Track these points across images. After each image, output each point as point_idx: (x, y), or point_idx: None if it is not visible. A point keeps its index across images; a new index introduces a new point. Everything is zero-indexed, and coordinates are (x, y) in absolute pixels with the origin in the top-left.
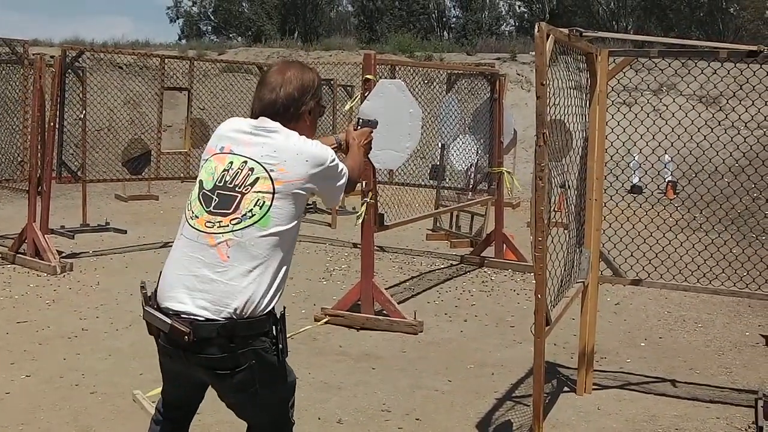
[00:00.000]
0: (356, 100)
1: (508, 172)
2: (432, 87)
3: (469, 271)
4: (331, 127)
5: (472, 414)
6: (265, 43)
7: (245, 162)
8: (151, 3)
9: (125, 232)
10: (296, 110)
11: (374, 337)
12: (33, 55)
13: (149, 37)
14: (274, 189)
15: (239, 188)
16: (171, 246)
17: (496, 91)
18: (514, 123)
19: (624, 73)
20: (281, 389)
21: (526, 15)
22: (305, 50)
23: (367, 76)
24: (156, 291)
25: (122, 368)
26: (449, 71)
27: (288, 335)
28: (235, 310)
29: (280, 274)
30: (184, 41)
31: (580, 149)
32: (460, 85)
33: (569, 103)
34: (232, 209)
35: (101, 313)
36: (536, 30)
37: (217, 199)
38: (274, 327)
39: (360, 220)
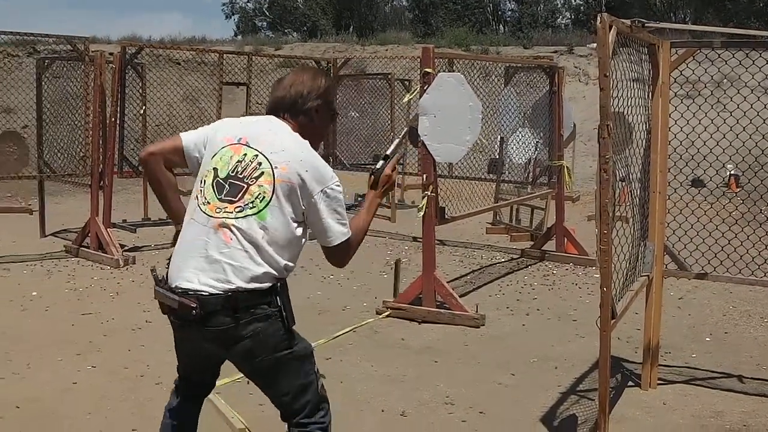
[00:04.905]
0: (415, 92)
1: (567, 167)
2: (489, 80)
3: (529, 265)
4: (389, 121)
5: (536, 408)
6: (321, 38)
7: (256, 155)
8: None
9: None
10: (302, 105)
11: (436, 330)
12: (93, 52)
13: (205, 33)
14: (274, 186)
15: (247, 179)
16: None
17: (555, 83)
18: (573, 116)
19: (687, 64)
20: (292, 357)
21: (582, 7)
22: (361, 45)
23: (426, 70)
24: (167, 273)
25: None
26: (507, 64)
27: (350, 328)
28: (234, 284)
29: (283, 262)
30: (239, 37)
31: (644, 141)
32: (518, 78)
33: (630, 95)
34: (237, 198)
35: None
36: (598, 21)
37: (228, 188)
38: (277, 297)
39: (421, 214)
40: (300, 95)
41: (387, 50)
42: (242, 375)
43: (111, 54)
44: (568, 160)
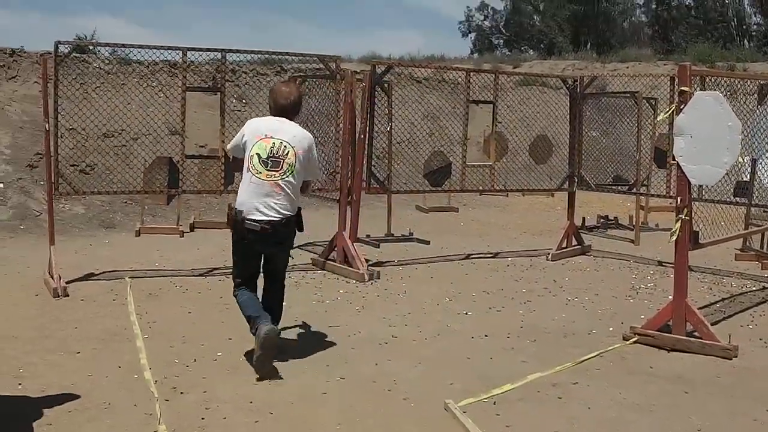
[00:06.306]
0: (669, 112)
1: None
2: (736, 99)
3: None
4: (634, 141)
5: None
6: (560, 55)
7: (281, 142)
8: (442, 18)
9: (428, 242)
10: (297, 108)
11: (685, 359)
12: (342, 70)
13: (443, 51)
14: (296, 157)
15: (281, 156)
16: (472, 257)
17: None
18: None
19: None
20: (289, 252)
21: None
22: (601, 62)
23: (683, 88)
24: (240, 213)
25: (432, 376)
26: (762, 82)
27: (597, 352)
28: (285, 214)
29: (299, 198)
30: (476, 55)
31: None
32: None
33: None
34: (279, 168)
35: (409, 321)
36: None
37: (271, 163)
38: (300, 219)
39: (674, 238)
40: (295, 103)
41: (628, 68)
42: (486, 396)
43: (355, 72)
44: None
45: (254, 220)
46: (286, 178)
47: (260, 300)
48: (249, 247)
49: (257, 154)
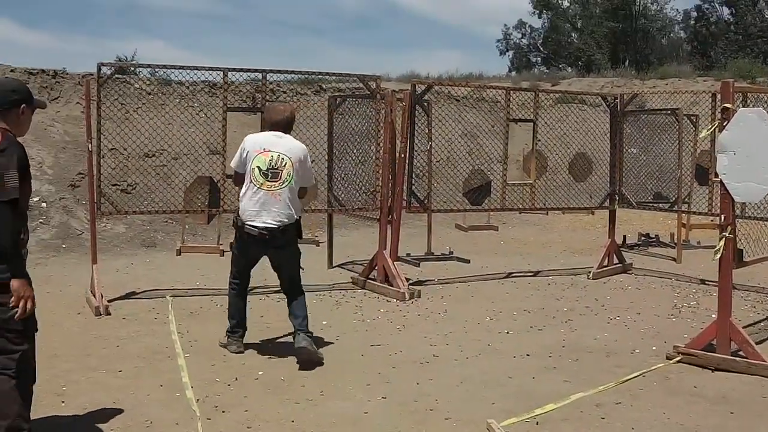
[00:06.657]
0: (713, 129)
1: None
2: None
3: None
4: (675, 158)
5: None
6: (599, 72)
7: (279, 155)
8: (480, 36)
9: (468, 261)
10: (291, 124)
11: (730, 379)
12: (382, 90)
13: (480, 69)
14: (293, 167)
15: (279, 168)
16: (513, 276)
17: None
18: None
19: None
20: (297, 254)
21: None
22: (640, 79)
23: (726, 105)
24: (241, 219)
25: (474, 396)
26: None
27: (639, 372)
28: (284, 221)
29: (299, 205)
30: (513, 73)
31: None
32: None
33: None
34: (278, 178)
35: (450, 341)
36: None
37: (270, 174)
38: (297, 226)
39: (718, 256)
40: (289, 119)
41: (667, 84)
42: (529, 416)
43: (394, 91)
44: None
45: (253, 226)
46: (285, 187)
47: (289, 308)
48: (248, 249)
49: (257, 167)
